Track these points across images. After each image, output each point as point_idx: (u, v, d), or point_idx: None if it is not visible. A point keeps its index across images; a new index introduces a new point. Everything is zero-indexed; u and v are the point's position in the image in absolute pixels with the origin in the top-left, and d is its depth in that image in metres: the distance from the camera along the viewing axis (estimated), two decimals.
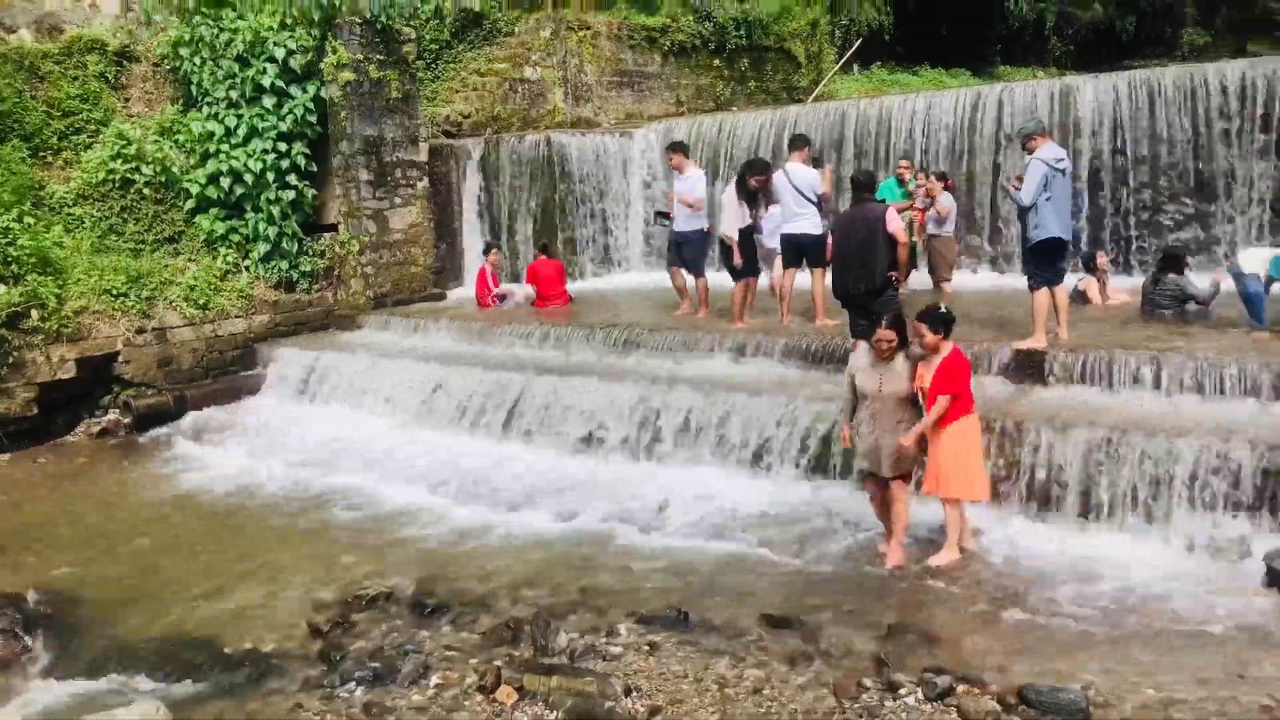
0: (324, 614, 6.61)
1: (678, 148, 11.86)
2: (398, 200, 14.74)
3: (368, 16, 14.11)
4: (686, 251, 11.76)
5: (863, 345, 6.97)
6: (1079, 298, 10.77)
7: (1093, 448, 7.14)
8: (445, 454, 10.02)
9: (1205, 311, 9.76)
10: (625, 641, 5.97)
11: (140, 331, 12.51)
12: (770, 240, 11.36)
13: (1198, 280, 10.07)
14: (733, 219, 10.84)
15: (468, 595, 6.82)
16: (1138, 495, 6.92)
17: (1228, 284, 9.11)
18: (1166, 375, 7.85)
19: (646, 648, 5.84)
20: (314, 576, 7.31)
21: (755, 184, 10.68)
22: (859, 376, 6.88)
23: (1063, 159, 8.43)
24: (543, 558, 7.46)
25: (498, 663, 5.71)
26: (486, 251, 14.78)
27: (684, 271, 11.85)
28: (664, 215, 12.17)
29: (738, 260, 10.86)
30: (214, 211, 13.79)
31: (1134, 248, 12.63)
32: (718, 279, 12.11)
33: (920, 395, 6.76)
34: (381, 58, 14.32)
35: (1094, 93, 12.94)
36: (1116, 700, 4.99)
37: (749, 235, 10.90)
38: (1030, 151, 8.49)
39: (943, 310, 6.77)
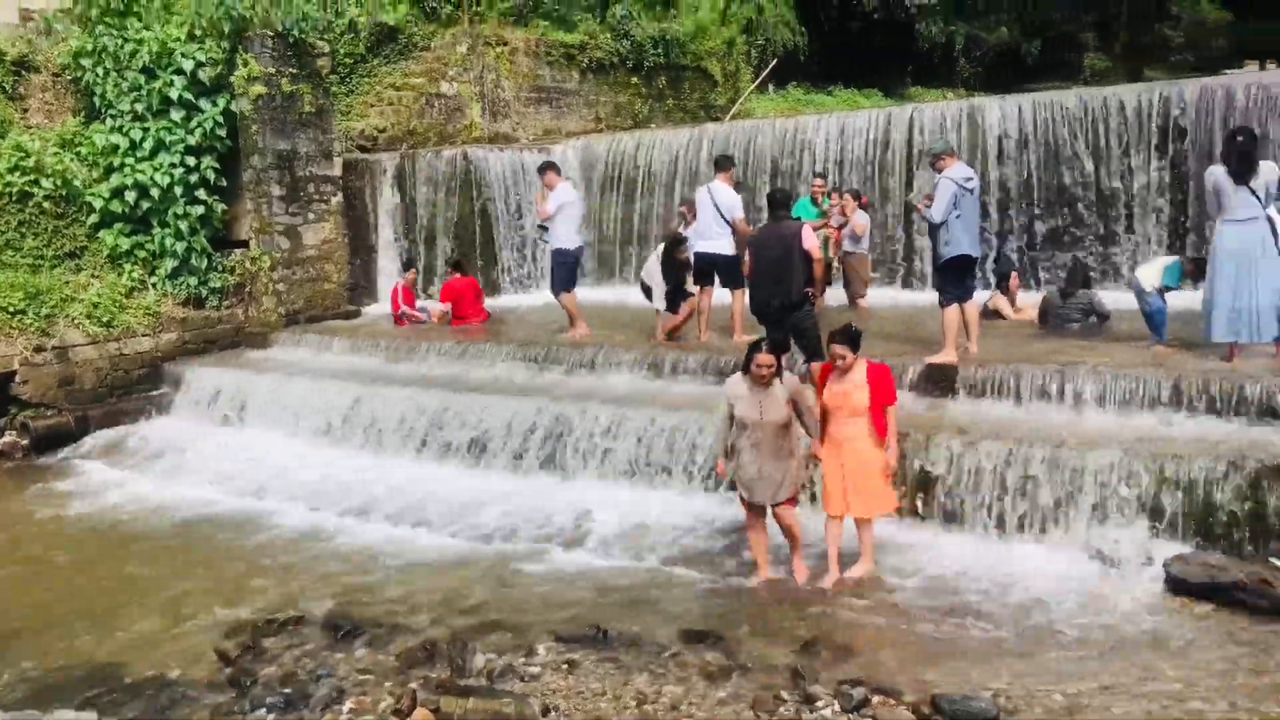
0: (233, 639, 6.43)
1: (551, 166, 11.89)
2: (311, 216, 14.50)
3: (280, 30, 13.88)
4: (553, 270, 11.82)
5: (739, 374, 6.76)
6: (991, 314, 11.05)
7: (1001, 460, 7.31)
8: (359, 474, 9.83)
9: (1108, 325, 10.07)
10: (544, 661, 5.91)
11: (39, 350, 12.07)
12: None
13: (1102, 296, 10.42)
14: (652, 279, 10.95)
15: (383, 617, 6.69)
16: (1044, 506, 7.09)
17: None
18: (1072, 389, 8.08)
19: (565, 666, 5.79)
20: (223, 601, 7.11)
21: (681, 256, 10.76)
22: (738, 405, 6.67)
23: (971, 178, 8.65)
24: (461, 577, 7.36)
25: (413, 685, 5.60)
26: (406, 268, 14.61)
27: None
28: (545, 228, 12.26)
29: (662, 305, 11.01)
30: (119, 226, 13.40)
31: (1039, 265, 12.98)
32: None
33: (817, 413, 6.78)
34: (294, 71, 14.09)
35: (1000, 114, 13.30)
36: (1025, 707, 5.08)
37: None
38: (940, 171, 8.70)
39: (853, 328, 6.75)
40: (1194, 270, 8.89)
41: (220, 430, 11.66)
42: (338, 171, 14.87)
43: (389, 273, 15.51)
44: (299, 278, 14.36)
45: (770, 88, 26.05)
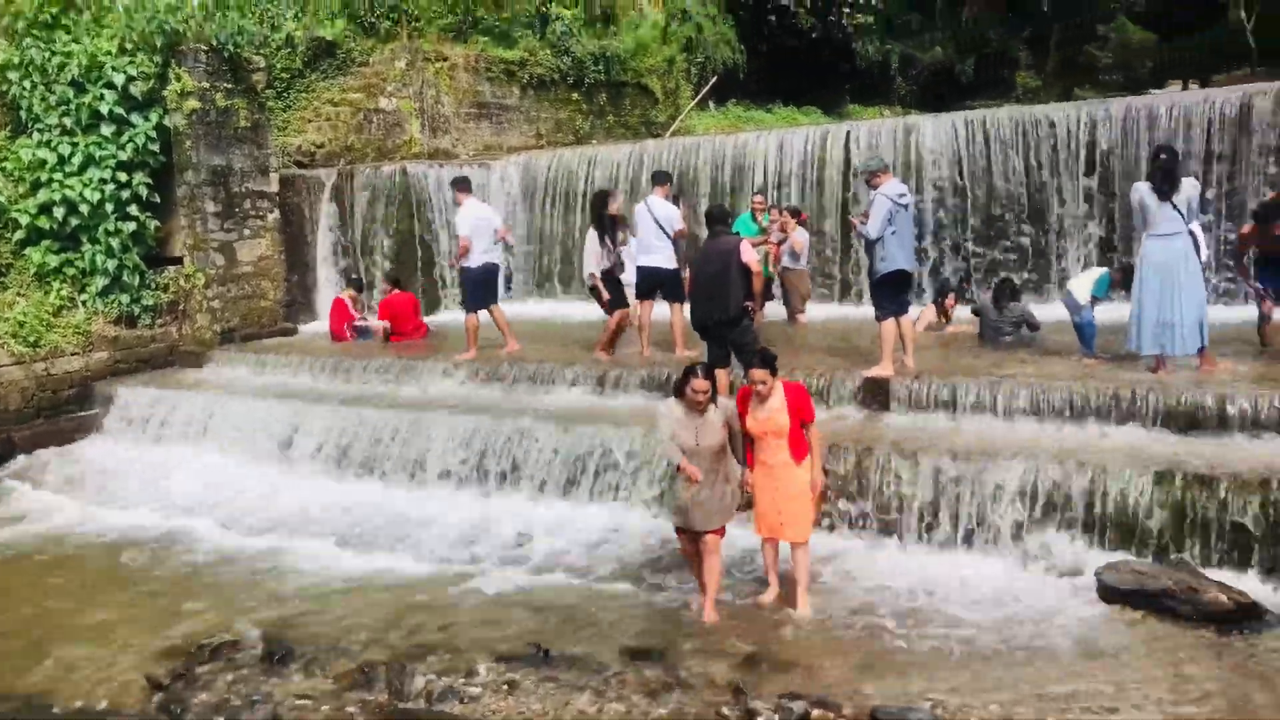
0: (164, 666, 6.27)
1: (461, 183, 11.88)
2: (247, 232, 14.30)
3: (214, 44, 13.69)
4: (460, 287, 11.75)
5: (673, 399, 6.56)
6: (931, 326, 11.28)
7: (937, 471, 7.41)
8: (295, 495, 9.68)
9: (1040, 337, 10.27)
10: (484, 681, 5.86)
11: None
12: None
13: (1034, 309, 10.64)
14: (593, 258, 10.88)
15: (320, 640, 6.58)
16: (978, 517, 7.20)
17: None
18: (1005, 400, 8.23)
19: (506, 687, 5.75)
20: (154, 627, 6.95)
21: (614, 210, 10.77)
22: (678, 429, 6.45)
23: (905, 194, 8.79)
24: (399, 598, 7.27)
25: (351, 709, 5.53)
26: (348, 284, 14.45)
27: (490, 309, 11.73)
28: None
29: (605, 298, 10.93)
30: (46, 244, 13.09)
31: (972, 279, 13.21)
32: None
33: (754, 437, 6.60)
34: (229, 86, 13.90)
35: (934, 131, 13.54)
36: (962, 717, 5.15)
37: (610, 273, 10.95)
38: (875, 187, 8.83)
39: (769, 351, 6.63)
40: (1122, 278, 9.11)
41: (152, 451, 11.41)
42: (274, 187, 14.68)
43: (327, 289, 15.34)
44: (234, 295, 14.14)
45: (711, 105, 26.24)
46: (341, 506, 9.29)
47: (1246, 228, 9.56)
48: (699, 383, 6.31)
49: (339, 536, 8.64)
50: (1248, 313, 11.17)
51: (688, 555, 6.75)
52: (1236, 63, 31.90)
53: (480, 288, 11.54)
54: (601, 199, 10.94)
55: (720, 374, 8.70)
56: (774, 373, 6.51)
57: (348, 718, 5.32)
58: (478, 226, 11.31)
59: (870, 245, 8.79)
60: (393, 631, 6.65)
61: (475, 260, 11.34)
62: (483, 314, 11.56)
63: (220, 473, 10.49)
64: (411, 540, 8.42)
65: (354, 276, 14.95)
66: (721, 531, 6.57)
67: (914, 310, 11.88)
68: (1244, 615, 5.97)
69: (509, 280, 14.73)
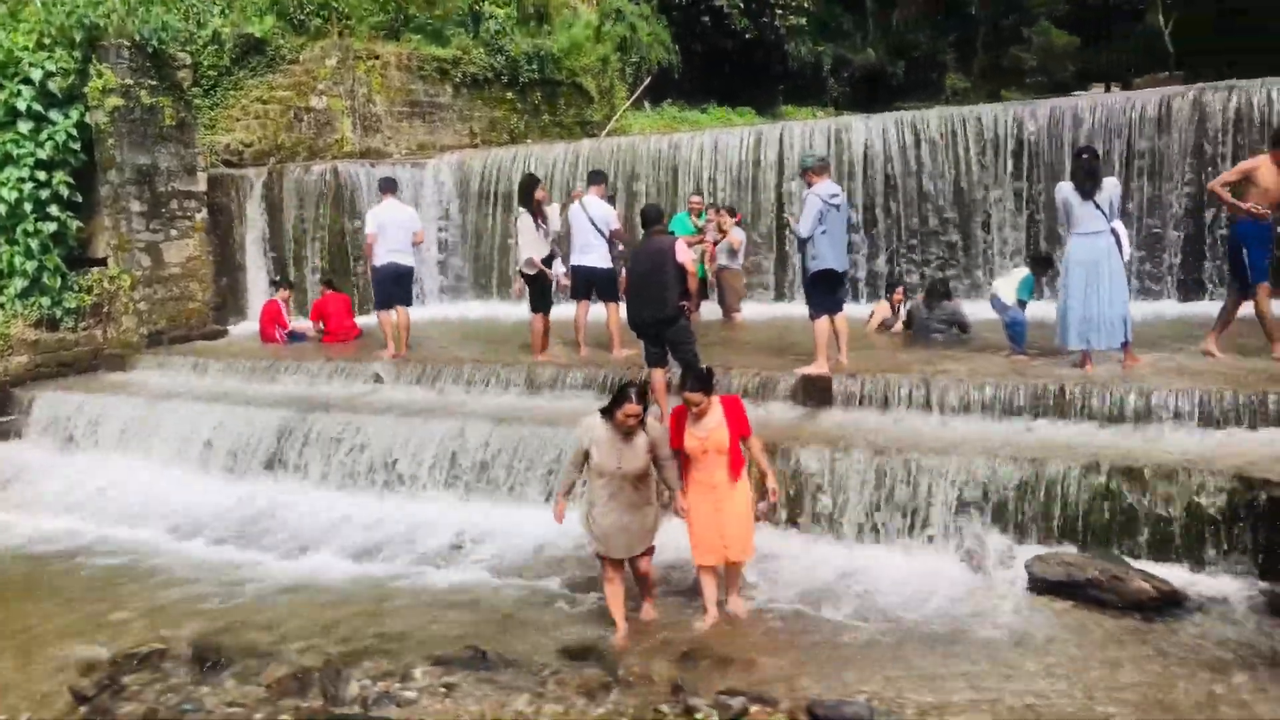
0: (90, 677, 6.09)
1: (384, 183, 11.89)
2: (174, 232, 13.99)
3: (137, 40, 13.35)
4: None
5: (597, 416, 6.19)
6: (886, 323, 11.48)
7: (869, 467, 7.50)
8: (226, 499, 9.50)
9: (970, 335, 10.46)
10: (421, 685, 5.80)
11: None
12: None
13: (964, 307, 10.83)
14: (531, 244, 10.70)
15: (253, 646, 6.45)
16: (912, 511, 7.30)
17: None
18: (937, 397, 8.36)
19: (443, 690, 5.69)
20: (79, 637, 6.75)
21: (541, 195, 10.70)
22: (595, 451, 6.12)
23: (837, 194, 8.89)
24: (334, 602, 7.16)
25: (285, 716, 5.43)
26: (277, 285, 14.21)
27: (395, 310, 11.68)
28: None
29: (565, 281, 10.83)
30: None
31: (903, 277, 13.39)
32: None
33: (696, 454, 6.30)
34: (154, 83, 13.58)
35: (865, 132, 13.72)
36: (898, 708, 5.22)
37: (547, 264, 10.83)
38: (809, 185, 8.92)
39: (705, 370, 6.39)
40: (1033, 265, 9.31)
41: (76, 457, 11.12)
42: (202, 187, 14.38)
43: (257, 290, 15.08)
44: (161, 296, 13.82)
45: (646, 105, 26.28)
46: (274, 511, 9.13)
47: None
48: (631, 408, 5.96)
49: (272, 541, 8.49)
50: (1167, 308, 11.54)
51: (609, 582, 6.34)
52: (1156, 66, 32.81)
53: (381, 287, 11.62)
54: (532, 182, 10.87)
55: (658, 373, 8.72)
56: (710, 392, 6.27)
57: None
58: (383, 225, 11.31)
59: (802, 244, 8.89)
60: (327, 636, 6.55)
61: (379, 259, 11.37)
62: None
63: (146, 478, 10.25)
64: (346, 544, 8.30)
65: (284, 277, 14.70)
66: (651, 551, 6.40)
67: (866, 307, 12.11)
68: (1166, 603, 6.14)
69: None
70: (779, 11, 29.20)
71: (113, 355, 13.46)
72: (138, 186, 13.48)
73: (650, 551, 6.40)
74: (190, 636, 6.61)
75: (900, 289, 12.01)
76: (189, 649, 6.41)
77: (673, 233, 10.49)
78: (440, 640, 6.38)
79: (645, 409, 6.08)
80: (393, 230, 11.37)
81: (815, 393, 8.84)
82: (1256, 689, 5.22)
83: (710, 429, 6.26)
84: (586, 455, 6.20)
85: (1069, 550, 6.77)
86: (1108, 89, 32.55)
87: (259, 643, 6.50)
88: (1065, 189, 8.54)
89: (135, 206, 13.46)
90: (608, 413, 6.09)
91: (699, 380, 6.25)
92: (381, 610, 6.99)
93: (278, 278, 14.97)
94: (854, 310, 12.44)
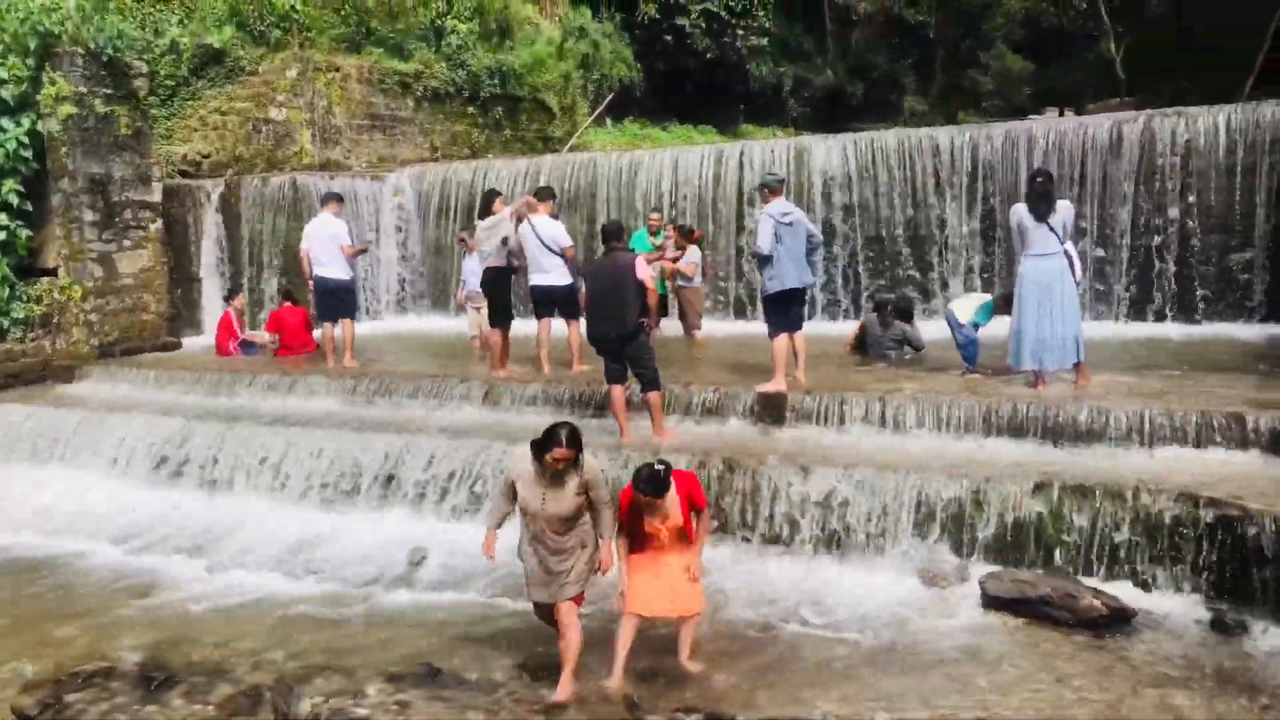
0: (33, 695, 5.95)
1: (325, 197, 12.07)
2: (127, 243, 13.80)
3: (92, 48, 13.20)
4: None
5: (526, 449, 5.73)
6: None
7: (827, 484, 7.54)
8: (177, 514, 9.35)
9: (924, 355, 10.56)
10: (374, 702, 5.74)
11: None
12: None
13: (921, 327, 10.93)
14: (489, 252, 10.66)
15: (202, 664, 6.35)
16: (867, 528, 7.35)
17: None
18: (892, 415, 8.43)
19: (396, 707, 5.64)
20: (22, 653, 6.60)
21: (500, 209, 10.68)
22: (521, 486, 5.71)
23: (788, 213, 8.96)
24: (285, 619, 7.07)
25: None
26: (230, 296, 14.05)
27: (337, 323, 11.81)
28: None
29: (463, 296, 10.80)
30: None
31: (863, 296, 13.52)
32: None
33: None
34: (109, 91, 13.42)
35: (825, 152, 13.85)
36: None
37: (505, 278, 10.80)
38: (764, 202, 9.02)
39: (656, 471, 5.71)
40: (1005, 304, 9.44)
41: (22, 470, 10.87)
42: (157, 197, 14.22)
43: (213, 303, 14.91)
44: (114, 308, 13.62)
45: (607, 121, 26.37)
46: (225, 526, 8.99)
47: None
48: (561, 451, 5.46)
49: (222, 556, 8.36)
50: (1116, 329, 11.76)
51: (543, 620, 6.00)
52: (1109, 90, 33.47)
53: (319, 300, 11.82)
54: (492, 196, 10.87)
55: (617, 390, 8.72)
56: (663, 492, 5.74)
57: None
58: (312, 240, 11.44)
59: (761, 264, 8.94)
60: (279, 653, 6.45)
61: (317, 272, 11.54)
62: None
63: (95, 492, 10.06)
64: (299, 559, 8.20)
65: (235, 286, 14.54)
66: (579, 599, 5.86)
67: (824, 325, 12.13)
68: (1116, 620, 6.22)
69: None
70: (740, 32, 29.47)
71: (63, 367, 13.24)
72: (91, 196, 13.30)
73: (579, 600, 5.83)
74: (137, 653, 6.49)
75: (883, 304, 11.77)
76: (135, 666, 6.30)
77: (632, 249, 10.53)
78: (394, 658, 6.31)
79: (579, 451, 5.56)
80: (319, 245, 11.38)
81: (773, 410, 8.89)
82: (1201, 705, 5.30)
83: (667, 514, 5.83)
84: (513, 490, 5.77)
85: (1021, 568, 6.84)
86: (1062, 113, 33.15)
87: (208, 660, 6.39)
88: (1019, 211, 8.67)
89: (88, 216, 13.27)
90: (537, 451, 5.60)
91: (653, 482, 5.67)
92: (334, 627, 6.91)
93: (228, 286, 14.78)
94: (824, 328, 12.63)
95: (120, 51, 13.60)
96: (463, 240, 12.03)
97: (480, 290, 11.15)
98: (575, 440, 5.53)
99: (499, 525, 5.96)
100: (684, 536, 5.94)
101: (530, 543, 5.79)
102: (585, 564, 5.81)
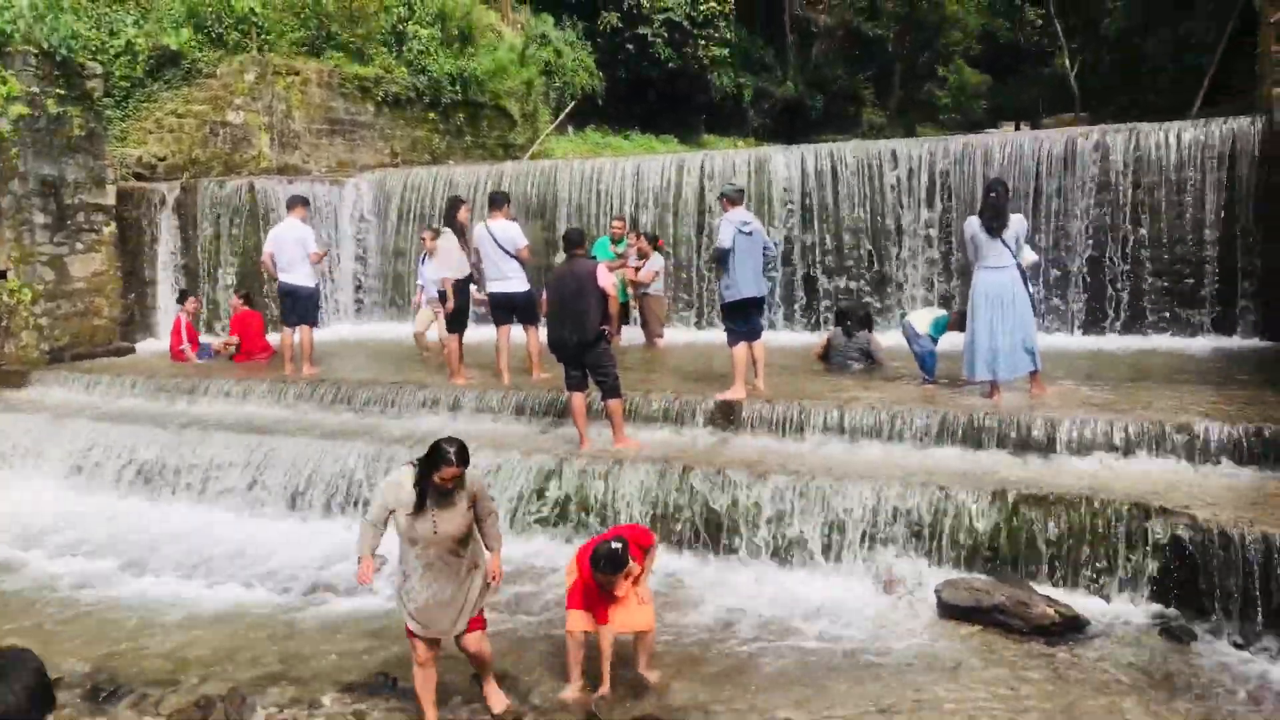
0: None
1: (290, 201, 11.97)
2: (80, 246, 13.59)
3: (45, 47, 12.99)
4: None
5: (401, 474, 5.26)
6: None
7: (785, 492, 7.58)
8: (128, 521, 9.21)
9: (883, 364, 10.65)
10: (329, 712, 5.68)
11: None
12: (429, 289, 11.72)
13: (880, 338, 11.03)
14: (448, 265, 10.56)
15: (153, 674, 6.24)
16: (824, 537, 7.39)
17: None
18: (850, 423, 8.50)
19: (352, 717, 5.58)
20: None
21: (464, 216, 10.63)
22: (403, 514, 5.19)
23: (748, 223, 9.03)
24: (239, 629, 6.97)
25: None
26: (183, 300, 13.86)
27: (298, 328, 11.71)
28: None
29: (450, 307, 10.59)
30: None
31: (821, 306, 13.62)
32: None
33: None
34: (62, 92, 13.22)
35: (785, 162, 13.95)
36: None
37: (465, 285, 10.75)
38: (725, 212, 9.08)
39: (616, 554, 5.50)
40: (959, 321, 9.56)
41: None
42: (111, 200, 14.03)
43: (167, 307, 14.71)
44: (65, 312, 13.40)
45: (569, 129, 26.39)
46: (176, 534, 8.86)
47: None
48: (451, 471, 5.07)
49: (175, 565, 8.23)
50: (1070, 340, 11.93)
51: (421, 666, 5.40)
52: (1064, 105, 33.99)
53: (282, 305, 11.76)
54: (456, 203, 10.81)
55: (577, 398, 8.71)
56: (623, 569, 5.55)
57: None
58: (279, 244, 11.37)
59: (721, 262, 8.97)
60: (232, 664, 6.37)
61: (282, 278, 11.47)
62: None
63: (42, 499, 9.88)
64: (254, 568, 8.09)
65: (188, 290, 14.33)
66: (482, 622, 5.53)
67: (786, 334, 12.19)
68: (1068, 627, 6.30)
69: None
70: (702, 42, 29.65)
71: (11, 371, 12.99)
72: (42, 198, 13.08)
73: (481, 625, 5.52)
74: (84, 664, 6.38)
75: (847, 313, 11.79)
76: (83, 678, 6.18)
77: (594, 257, 10.54)
78: (350, 667, 6.25)
79: (465, 467, 5.18)
80: (284, 249, 11.29)
81: (732, 417, 8.93)
82: (1150, 711, 5.38)
83: (628, 573, 5.64)
84: (387, 515, 5.27)
85: (977, 576, 6.91)
86: (1018, 127, 33.62)
87: (158, 670, 6.29)
88: (974, 224, 8.79)
89: (39, 218, 13.06)
90: (423, 472, 5.14)
91: (613, 563, 5.48)
92: (289, 636, 6.82)
93: (181, 289, 14.54)
94: (783, 337, 12.71)
95: (74, 52, 13.42)
96: (424, 240, 12.01)
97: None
98: (465, 457, 5.14)
99: (373, 551, 5.43)
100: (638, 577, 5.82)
101: (422, 575, 5.24)
102: (480, 584, 5.44)
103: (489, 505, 5.46)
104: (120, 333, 14.18)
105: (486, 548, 5.50)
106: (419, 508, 5.14)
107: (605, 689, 5.71)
